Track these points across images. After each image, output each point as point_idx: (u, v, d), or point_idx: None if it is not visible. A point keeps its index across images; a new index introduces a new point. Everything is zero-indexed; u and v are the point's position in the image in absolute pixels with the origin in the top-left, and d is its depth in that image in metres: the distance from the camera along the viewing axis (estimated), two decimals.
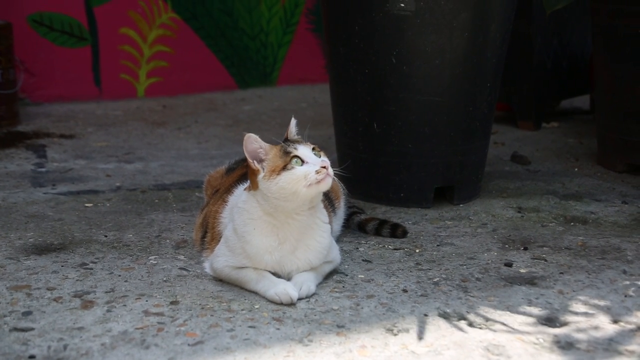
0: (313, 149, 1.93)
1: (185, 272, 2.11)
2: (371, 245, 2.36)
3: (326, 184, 1.88)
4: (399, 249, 2.32)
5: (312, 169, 1.87)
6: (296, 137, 2.00)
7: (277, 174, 1.88)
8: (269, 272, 1.96)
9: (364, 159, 2.78)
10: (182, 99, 4.79)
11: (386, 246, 2.34)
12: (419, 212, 2.68)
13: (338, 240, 2.31)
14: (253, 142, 1.92)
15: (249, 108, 4.65)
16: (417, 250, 2.31)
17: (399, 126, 2.69)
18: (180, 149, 3.65)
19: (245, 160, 2.00)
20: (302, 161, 1.89)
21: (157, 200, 2.81)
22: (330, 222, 2.09)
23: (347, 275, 2.11)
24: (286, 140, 1.98)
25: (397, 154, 2.71)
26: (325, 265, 2.04)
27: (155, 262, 2.19)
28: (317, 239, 1.98)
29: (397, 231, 2.42)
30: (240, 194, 2.04)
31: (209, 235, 2.15)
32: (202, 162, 3.36)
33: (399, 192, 2.74)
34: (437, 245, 2.35)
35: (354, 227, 2.48)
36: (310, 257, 1.98)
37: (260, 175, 1.91)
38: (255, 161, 1.92)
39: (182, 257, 2.23)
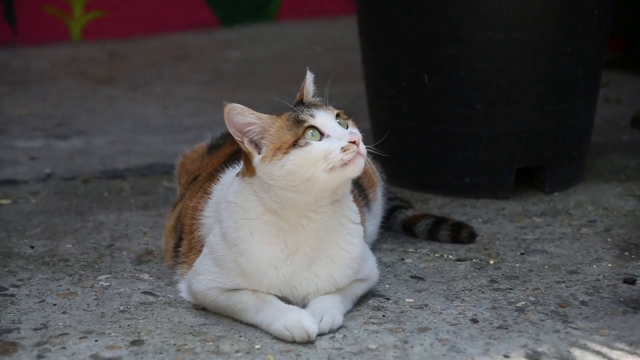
0: (337, 115, 1.94)
1: (151, 298, 2.14)
2: (423, 254, 2.38)
3: (356, 167, 1.89)
4: (465, 259, 2.34)
5: (337, 146, 1.88)
6: (314, 99, 2.00)
7: (285, 153, 1.89)
8: (275, 295, 1.99)
9: (410, 129, 2.79)
10: (137, 43, 4.79)
11: (445, 256, 2.37)
12: (492, 205, 2.70)
13: (374, 247, 2.33)
14: (237, 116, 1.91)
15: (237, 55, 4.65)
16: (492, 262, 2.33)
17: (461, 78, 2.70)
18: (138, 117, 3.66)
19: None
20: (321, 134, 1.90)
21: (106, 194, 2.83)
22: (363, 222, 2.10)
23: (389, 298, 2.13)
24: (300, 103, 1.99)
25: (459, 119, 2.73)
26: (356, 285, 2.06)
27: (108, 283, 2.21)
28: (344, 247, 2.00)
29: (460, 233, 2.44)
30: (230, 182, 2.05)
31: (185, 243, 2.17)
32: (170, 137, 3.38)
33: (462, 177, 2.76)
34: (521, 254, 2.37)
35: (398, 229, 2.50)
36: (334, 274, 2.00)
37: (258, 157, 1.92)
38: (246, 140, 1.92)
39: (146, 276, 2.26)
